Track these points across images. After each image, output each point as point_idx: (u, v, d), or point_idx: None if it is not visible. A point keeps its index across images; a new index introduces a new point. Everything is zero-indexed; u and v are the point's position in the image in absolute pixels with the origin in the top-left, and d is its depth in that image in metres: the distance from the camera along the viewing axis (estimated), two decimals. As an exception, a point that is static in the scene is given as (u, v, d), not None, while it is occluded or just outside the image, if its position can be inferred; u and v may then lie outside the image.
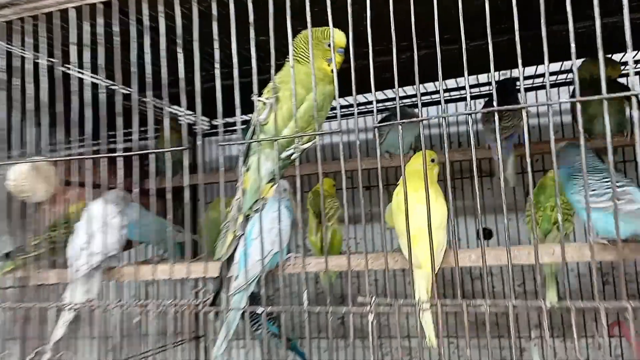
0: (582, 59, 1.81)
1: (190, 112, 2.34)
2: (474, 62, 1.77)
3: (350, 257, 1.03)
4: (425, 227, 0.97)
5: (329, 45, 1.07)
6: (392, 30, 0.93)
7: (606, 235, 1.13)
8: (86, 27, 1.10)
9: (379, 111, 2.37)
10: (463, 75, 2.08)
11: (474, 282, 2.30)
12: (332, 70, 1.08)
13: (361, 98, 2.31)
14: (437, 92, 2.21)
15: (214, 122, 2.56)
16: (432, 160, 1.44)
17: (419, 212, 1.03)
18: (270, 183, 1.14)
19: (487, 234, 2.36)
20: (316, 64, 1.10)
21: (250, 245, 1.30)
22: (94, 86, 1.23)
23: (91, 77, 1.24)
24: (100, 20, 1.11)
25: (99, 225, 1.52)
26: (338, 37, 1.12)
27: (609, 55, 1.82)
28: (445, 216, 1.24)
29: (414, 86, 2.18)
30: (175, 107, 2.22)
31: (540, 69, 1.94)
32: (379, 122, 2.27)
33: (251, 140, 1.03)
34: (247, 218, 1.11)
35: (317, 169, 0.97)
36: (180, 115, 2.34)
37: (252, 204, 1.12)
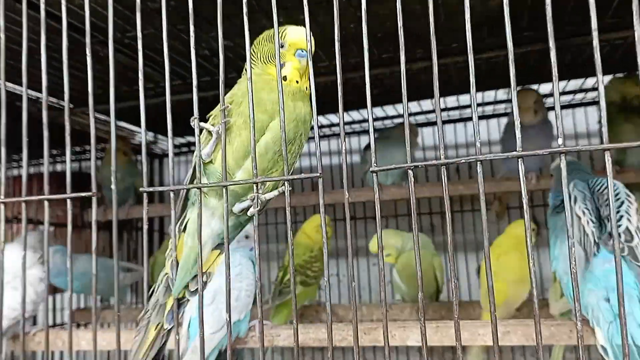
0: (610, 77, 1.54)
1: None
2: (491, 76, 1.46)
3: (332, 327, 0.69)
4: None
5: (282, 47, 0.74)
6: (400, 37, 0.64)
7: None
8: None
9: (359, 133, 2.14)
10: (485, 90, 1.81)
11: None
12: (297, 82, 0.74)
13: (334, 118, 2.03)
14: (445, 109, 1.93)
15: (178, 141, 2.24)
16: (533, 230, 1.42)
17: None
18: (216, 250, 0.79)
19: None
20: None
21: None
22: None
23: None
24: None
25: (9, 278, 1.17)
26: (294, 33, 0.75)
27: (636, 73, 1.55)
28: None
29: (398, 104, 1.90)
30: (124, 123, 1.88)
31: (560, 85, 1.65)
32: (366, 147, 1.97)
33: (189, 186, 0.68)
34: (180, 301, 0.76)
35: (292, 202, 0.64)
36: (135, 133, 2.01)
37: (187, 282, 0.76)
